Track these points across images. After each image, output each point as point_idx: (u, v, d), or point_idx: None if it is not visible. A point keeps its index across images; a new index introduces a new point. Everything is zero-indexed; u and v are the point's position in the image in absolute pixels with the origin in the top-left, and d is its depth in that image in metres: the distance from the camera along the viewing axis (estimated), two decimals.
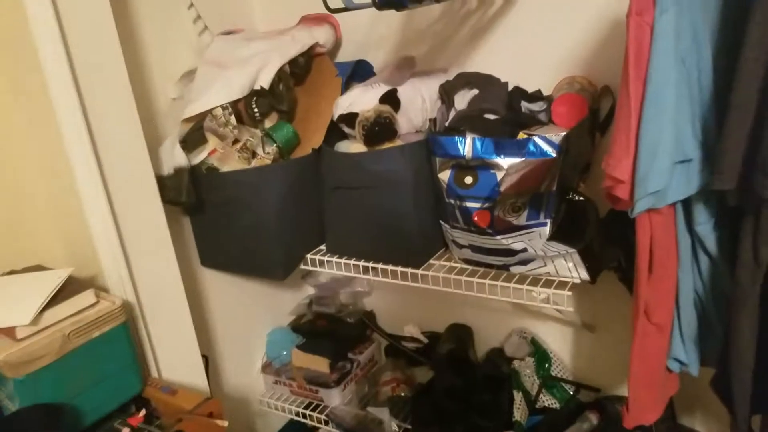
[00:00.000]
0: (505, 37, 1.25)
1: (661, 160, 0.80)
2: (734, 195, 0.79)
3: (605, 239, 1.09)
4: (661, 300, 0.91)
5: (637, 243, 0.89)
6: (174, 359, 1.15)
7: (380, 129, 1.19)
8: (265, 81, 1.24)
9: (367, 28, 1.40)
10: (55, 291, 0.93)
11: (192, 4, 1.29)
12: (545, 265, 1.13)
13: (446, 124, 1.20)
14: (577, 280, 1.11)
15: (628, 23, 0.79)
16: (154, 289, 1.11)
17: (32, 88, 0.98)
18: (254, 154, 1.25)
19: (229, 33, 1.36)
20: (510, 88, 1.23)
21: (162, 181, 1.17)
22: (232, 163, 1.24)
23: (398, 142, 1.21)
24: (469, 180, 1.09)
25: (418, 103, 1.25)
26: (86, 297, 0.96)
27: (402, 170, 1.15)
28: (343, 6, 0.97)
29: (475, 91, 1.22)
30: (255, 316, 1.57)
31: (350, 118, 1.22)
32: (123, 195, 1.05)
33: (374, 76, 1.33)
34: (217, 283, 1.44)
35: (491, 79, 1.25)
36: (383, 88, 1.23)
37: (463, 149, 1.07)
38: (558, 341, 1.41)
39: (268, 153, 1.25)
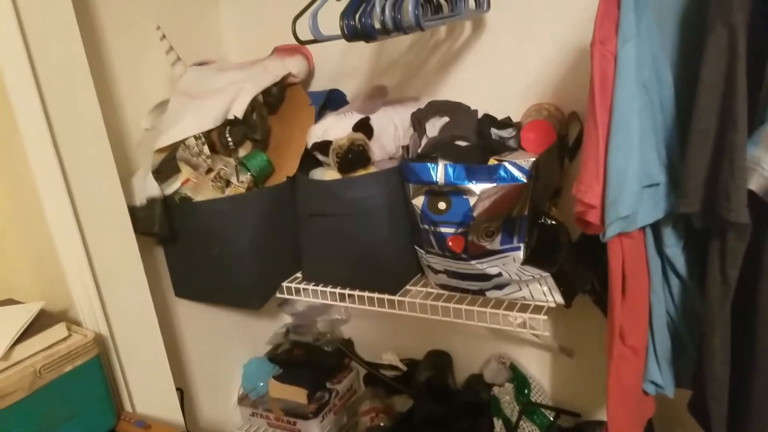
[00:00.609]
0: (473, 65, 1.27)
1: (629, 186, 0.81)
2: (699, 218, 0.79)
3: (578, 263, 1.09)
4: (635, 323, 0.91)
5: (609, 267, 0.89)
6: (148, 393, 1.13)
7: (354, 156, 1.19)
8: (238, 110, 1.25)
9: (340, 58, 1.41)
10: (26, 325, 0.92)
11: (164, 36, 1.29)
12: (520, 290, 1.13)
13: (419, 150, 1.20)
14: (553, 304, 1.11)
15: (592, 52, 0.80)
16: (127, 322, 1.10)
17: (1, 119, 0.97)
18: (228, 183, 1.25)
19: (202, 64, 1.37)
20: (480, 115, 1.24)
21: (134, 212, 1.16)
22: (205, 192, 1.23)
23: (372, 169, 1.22)
24: (442, 206, 1.09)
25: (391, 131, 1.26)
26: (57, 331, 0.94)
27: (376, 197, 1.16)
28: (312, 38, 0.98)
29: (446, 119, 1.23)
30: (231, 346, 1.55)
31: (324, 146, 1.23)
32: (95, 226, 1.04)
33: (347, 105, 1.35)
34: (192, 314, 1.42)
35: (461, 107, 1.26)
36: (356, 117, 1.24)
37: (436, 175, 1.08)
38: (537, 366, 1.41)
39: (242, 182, 1.25)
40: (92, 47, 1.16)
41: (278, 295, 1.34)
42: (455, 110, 1.25)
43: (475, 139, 1.18)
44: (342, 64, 1.41)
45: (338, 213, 1.20)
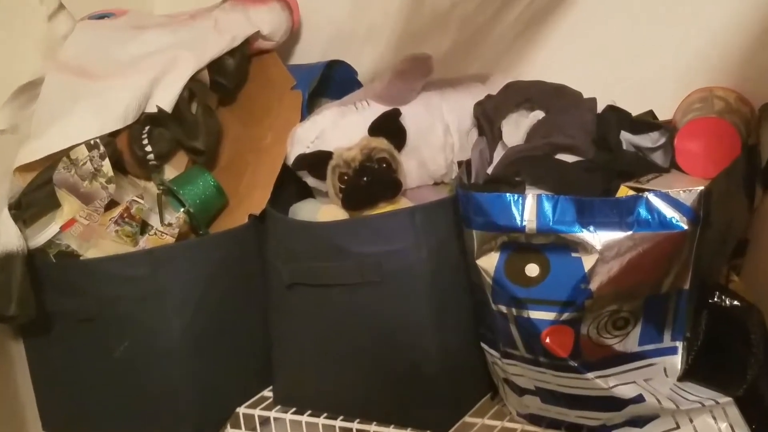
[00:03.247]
0: (587, 21, 1.30)
1: None
2: None
3: None
4: None
5: None
6: None
7: (372, 180, 1.20)
8: (166, 99, 1.28)
9: (347, 8, 1.46)
10: None
11: None
12: (678, 427, 1.08)
13: (489, 170, 1.20)
14: None
15: None
16: None
17: None
18: (145, 227, 1.26)
19: (103, 17, 1.39)
20: (600, 108, 1.24)
21: None
22: (103, 243, 1.24)
23: (404, 203, 1.23)
24: (533, 271, 1.06)
25: (438, 135, 1.28)
26: None
27: (410, 253, 1.16)
28: None
29: (540, 114, 1.23)
30: None
31: (318, 162, 1.24)
32: None
33: (359, 90, 1.36)
34: None
35: (565, 93, 1.26)
36: (376, 110, 1.26)
37: (522, 215, 1.04)
38: None
39: (169, 224, 1.24)
40: None
41: (231, 430, 1.33)
42: (554, 99, 1.24)
43: (593, 151, 1.18)
44: (351, 18, 1.46)
45: (342, 282, 1.20)
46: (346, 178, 1.22)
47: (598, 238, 1.02)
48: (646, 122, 1.22)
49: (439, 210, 1.19)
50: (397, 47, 1.45)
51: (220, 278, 1.29)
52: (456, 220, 1.15)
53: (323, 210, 1.27)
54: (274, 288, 1.31)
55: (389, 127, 1.25)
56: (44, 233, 1.24)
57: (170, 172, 1.33)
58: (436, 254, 1.18)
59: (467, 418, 1.23)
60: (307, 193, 1.33)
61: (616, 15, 1.29)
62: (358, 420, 1.27)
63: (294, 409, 1.31)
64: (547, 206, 1.05)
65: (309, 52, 1.50)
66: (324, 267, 1.22)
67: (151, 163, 1.30)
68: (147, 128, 1.28)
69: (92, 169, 1.22)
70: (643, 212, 1.02)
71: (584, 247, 1.03)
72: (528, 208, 1.05)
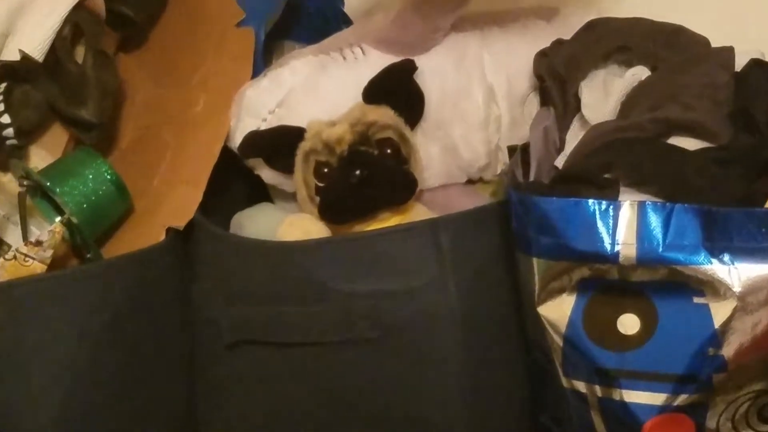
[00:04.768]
0: None
1: None
2: None
3: None
4: None
5: None
6: None
7: (369, 175, 1.14)
8: (33, 39, 1.24)
9: None
10: None
11: None
12: None
13: (558, 161, 1.15)
14: None
15: None
16: None
17: None
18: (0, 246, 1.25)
19: None
20: (740, 65, 1.18)
21: None
22: None
23: (419, 213, 1.18)
24: (631, 325, 1.00)
25: (476, 104, 1.23)
26: None
27: (430, 293, 1.10)
28: None
29: (643, 72, 1.16)
30: None
31: (281, 145, 1.20)
32: None
33: (349, 29, 1.35)
34: None
35: (684, 40, 1.20)
36: (374, 61, 1.22)
37: (614, 235, 0.98)
38: None
39: (37, 243, 1.19)
40: None
41: None
42: (666, 48, 1.19)
43: (728, 133, 1.11)
44: None
45: (317, 339, 1.13)
46: (326, 171, 1.14)
47: (737, 273, 0.95)
48: None
49: (476, 224, 1.12)
50: None
51: (118, 330, 1.19)
52: (504, 242, 1.10)
53: (288, 222, 1.17)
54: (205, 346, 1.24)
55: (397, 90, 1.17)
56: None
57: (40, 158, 1.28)
58: (470, 296, 1.10)
59: None
60: (262, 194, 1.28)
61: None
62: None
63: None
64: (655, 221, 0.97)
65: None
66: (289, 315, 1.14)
67: (8, 142, 1.24)
68: (2, 86, 1.23)
69: None
70: None
71: (714, 289, 0.96)
72: (624, 224, 0.98)
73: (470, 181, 1.24)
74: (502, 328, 1.12)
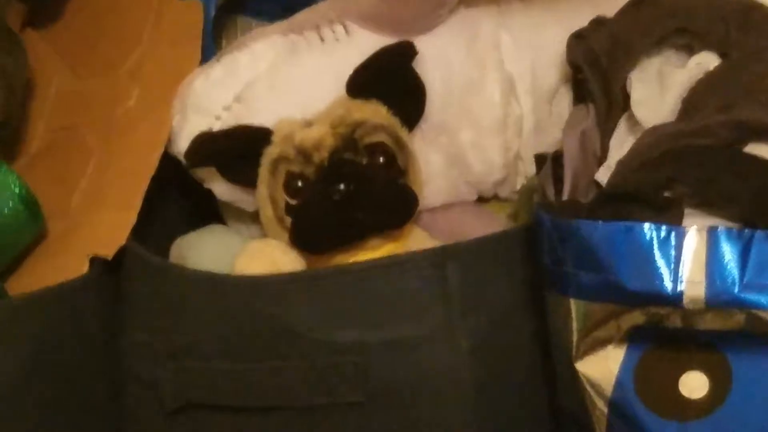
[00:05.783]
0: None
1: None
2: None
3: None
4: None
5: None
6: None
7: (354, 191, 1.03)
8: None
9: None
10: None
11: None
12: None
13: (600, 175, 1.01)
14: None
15: None
16: None
17: None
18: None
19: None
20: None
21: None
22: None
23: (418, 239, 1.09)
24: (697, 387, 0.91)
25: (491, 101, 1.12)
26: None
27: (433, 343, 1.01)
28: None
29: (711, 60, 1.03)
30: None
31: (239, 150, 1.10)
32: None
33: (326, 0, 1.24)
34: None
35: (760, 18, 1.07)
36: (361, 43, 1.13)
37: (677, 270, 0.87)
38: None
39: None
40: None
41: None
42: (740, 30, 1.07)
43: None
44: None
45: (286, 402, 1.02)
46: (300, 184, 1.02)
47: None
48: None
49: (493, 256, 1.00)
50: None
51: (23, 392, 1.05)
52: (529, 279, 0.99)
53: (249, 251, 1.06)
54: (139, 414, 1.09)
55: (391, 82, 1.06)
56: None
57: None
58: (484, 350, 0.99)
59: None
60: (213, 214, 1.17)
61: None
62: None
63: None
64: (730, 252, 0.85)
65: None
66: (250, 372, 1.02)
67: None
68: None
69: None
70: None
71: None
72: (690, 257, 0.85)
73: (482, 199, 1.12)
74: (526, 394, 1.00)
